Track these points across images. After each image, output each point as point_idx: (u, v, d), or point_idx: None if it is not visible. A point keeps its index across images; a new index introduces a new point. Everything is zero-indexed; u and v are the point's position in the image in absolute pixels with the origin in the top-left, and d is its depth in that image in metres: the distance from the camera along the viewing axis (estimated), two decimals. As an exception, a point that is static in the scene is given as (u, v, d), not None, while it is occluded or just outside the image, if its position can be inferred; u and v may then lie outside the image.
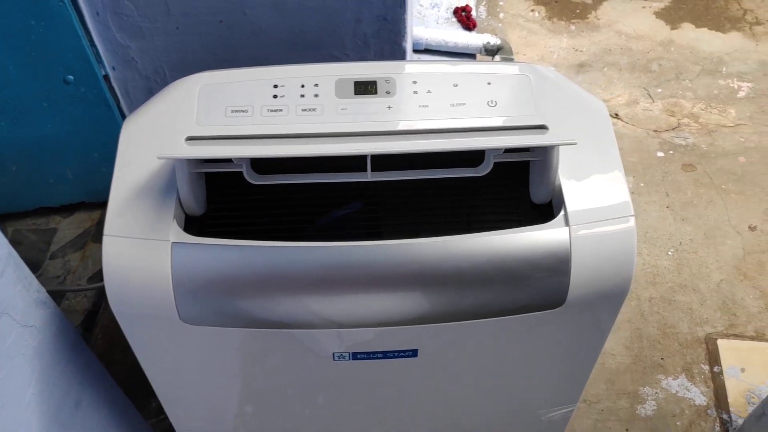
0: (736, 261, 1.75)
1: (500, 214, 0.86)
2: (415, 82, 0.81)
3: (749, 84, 2.22)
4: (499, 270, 0.75)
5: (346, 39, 1.38)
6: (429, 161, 0.82)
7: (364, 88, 0.81)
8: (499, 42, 1.84)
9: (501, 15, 2.45)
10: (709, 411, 1.47)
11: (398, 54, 1.41)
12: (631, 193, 1.90)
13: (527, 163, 0.83)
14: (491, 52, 1.84)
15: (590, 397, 1.50)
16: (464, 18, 1.99)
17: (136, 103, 1.52)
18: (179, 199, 0.76)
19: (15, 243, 0.98)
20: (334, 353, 0.80)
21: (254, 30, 1.36)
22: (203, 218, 0.82)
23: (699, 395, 1.50)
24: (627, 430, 1.45)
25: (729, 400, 1.48)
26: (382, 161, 0.79)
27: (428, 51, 1.87)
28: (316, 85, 0.80)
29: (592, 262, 0.74)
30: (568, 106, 0.81)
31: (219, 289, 0.73)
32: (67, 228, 1.78)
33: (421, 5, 2.06)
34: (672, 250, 1.78)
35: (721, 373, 1.53)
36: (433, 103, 0.79)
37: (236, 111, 0.78)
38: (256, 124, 0.77)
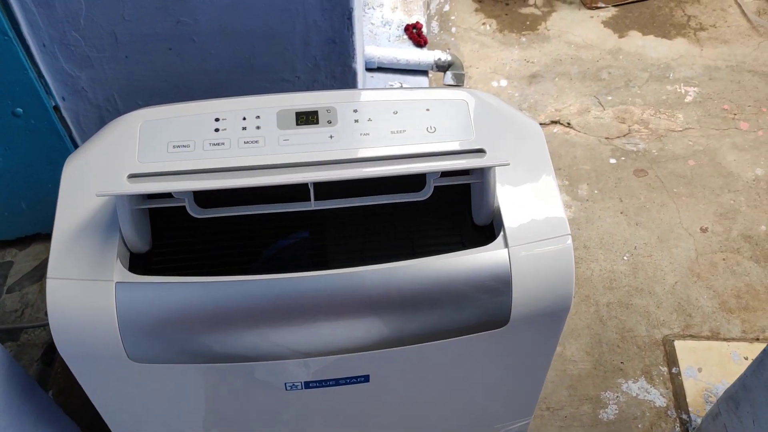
0: (690, 263, 1.79)
1: (446, 237, 0.88)
2: (356, 111, 0.82)
3: (696, 88, 2.28)
4: (444, 293, 0.76)
5: (297, 62, 1.39)
6: (373, 188, 0.83)
7: (306, 118, 0.82)
8: (450, 58, 1.88)
9: (453, 29, 2.48)
10: (669, 412, 1.51)
11: (349, 75, 1.42)
12: (586, 200, 1.94)
13: (470, 186, 0.84)
14: (442, 68, 1.87)
15: (553, 404, 1.52)
16: (415, 35, 2.02)
17: (89, 132, 1.51)
18: (122, 237, 0.76)
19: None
20: (286, 383, 0.81)
21: (204, 56, 1.37)
22: (149, 255, 0.82)
23: (659, 397, 1.53)
24: (590, 435, 1.47)
25: (688, 400, 1.52)
26: (328, 190, 0.80)
27: (381, 69, 1.89)
28: (258, 117, 0.81)
29: (532, 282, 0.76)
30: (505, 128, 0.83)
31: (165, 327, 0.73)
32: (24, 260, 1.75)
33: (372, 23, 2.08)
34: (627, 254, 1.81)
35: (679, 374, 1.57)
36: (373, 131, 0.81)
37: (178, 146, 0.79)
38: (198, 158, 0.78)
